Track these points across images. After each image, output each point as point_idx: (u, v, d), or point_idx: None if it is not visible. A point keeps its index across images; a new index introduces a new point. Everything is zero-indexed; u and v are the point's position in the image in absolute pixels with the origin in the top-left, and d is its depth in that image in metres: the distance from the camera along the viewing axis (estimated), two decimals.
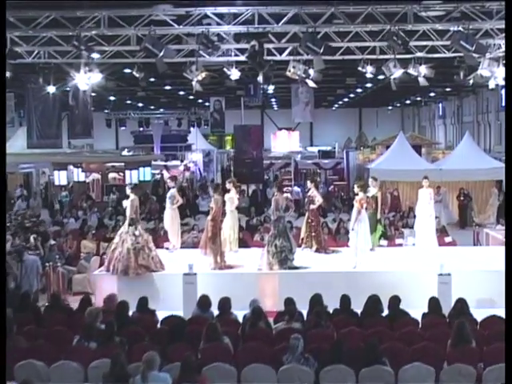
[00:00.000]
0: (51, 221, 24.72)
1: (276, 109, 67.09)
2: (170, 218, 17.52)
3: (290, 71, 15.81)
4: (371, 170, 28.19)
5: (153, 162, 34.38)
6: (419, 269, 15.12)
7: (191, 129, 44.73)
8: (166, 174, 35.57)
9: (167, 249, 17.70)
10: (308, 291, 14.66)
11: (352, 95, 53.66)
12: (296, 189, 31.25)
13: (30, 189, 32.51)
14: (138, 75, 17.61)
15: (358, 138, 60.50)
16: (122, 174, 32.15)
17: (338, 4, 13.50)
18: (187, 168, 36.79)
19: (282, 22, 14.14)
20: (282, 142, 58.57)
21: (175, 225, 17.58)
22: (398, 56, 16.21)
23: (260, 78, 17.31)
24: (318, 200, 17.32)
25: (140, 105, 56.19)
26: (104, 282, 15.22)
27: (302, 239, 17.48)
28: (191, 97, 44.66)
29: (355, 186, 15.54)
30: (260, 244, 19.85)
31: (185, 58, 16.78)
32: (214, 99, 38.93)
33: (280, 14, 14.19)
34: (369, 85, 38.58)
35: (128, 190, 15.56)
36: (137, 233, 15.18)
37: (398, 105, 65.98)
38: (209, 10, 13.92)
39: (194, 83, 16.50)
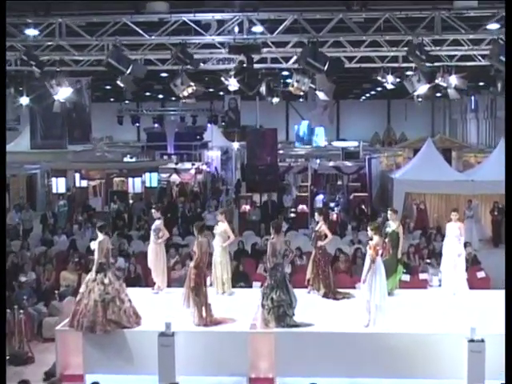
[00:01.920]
0: (40, 238, 22.25)
1: (301, 100, 64.24)
2: (155, 255, 14.93)
3: (293, 86, 13.02)
4: (395, 180, 25.41)
5: (161, 166, 31.79)
6: (445, 330, 12.30)
7: (208, 125, 42.04)
8: (175, 179, 32.97)
9: (152, 289, 15.16)
10: (310, 354, 12.19)
11: (379, 88, 50.55)
12: (319, 197, 28.42)
13: (33, 193, 30.12)
14: (122, 85, 14.95)
15: (386, 133, 57.63)
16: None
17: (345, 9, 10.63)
18: (199, 171, 34.22)
19: (278, 31, 11.30)
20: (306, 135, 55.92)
21: (160, 262, 14.99)
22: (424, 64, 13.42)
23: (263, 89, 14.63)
24: (328, 236, 14.60)
25: (160, 96, 53.79)
26: (67, 339, 12.69)
27: (308, 280, 14.80)
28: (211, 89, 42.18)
29: (368, 229, 12.78)
30: (264, 279, 17.24)
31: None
32: (228, 97, 36.29)
33: (275, 21, 11.37)
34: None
35: (97, 231, 12.94)
36: (106, 281, 12.61)
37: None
38: (187, 17, 11.15)
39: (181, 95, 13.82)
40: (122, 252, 19.42)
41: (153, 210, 15.27)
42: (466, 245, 18.14)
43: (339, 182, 34.06)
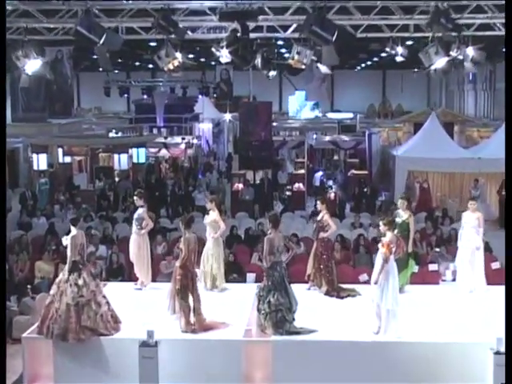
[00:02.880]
0: (17, 221, 20.53)
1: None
2: (137, 247, 13.28)
3: (293, 58, 11.27)
4: (397, 157, 23.77)
5: (150, 141, 29.93)
6: (465, 339, 10.71)
7: (199, 97, 40.11)
8: (164, 154, 31.17)
9: (135, 284, 13.55)
10: (312, 366, 10.63)
11: (376, 58, 48.80)
12: (317, 174, 26.70)
13: (15, 169, 28.26)
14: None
15: (382, 105, 55.84)
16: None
17: None
18: (190, 145, 32.43)
19: None
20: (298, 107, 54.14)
21: (144, 256, 13.32)
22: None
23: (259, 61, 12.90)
24: (331, 227, 12.97)
25: (150, 66, 51.71)
26: (36, 348, 11.07)
27: (309, 276, 13.21)
28: (202, 59, 40.22)
29: (380, 223, 11.14)
30: (259, 269, 15.65)
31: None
32: (220, 68, 34.38)
33: None
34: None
35: (71, 224, 11.25)
36: (80, 282, 10.98)
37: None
38: None
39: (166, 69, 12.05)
40: (105, 238, 17.74)
41: (135, 198, 13.55)
42: None
43: (335, 158, 32.35)
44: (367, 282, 14.68)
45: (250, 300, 12.57)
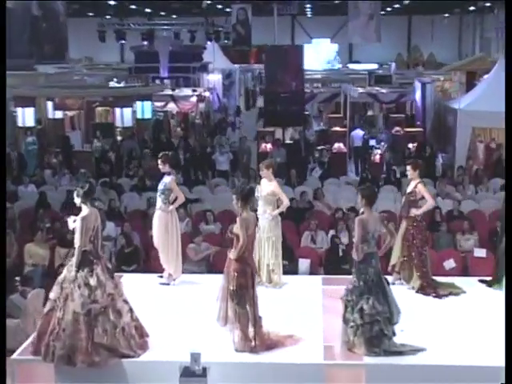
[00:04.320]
0: None
1: (310, 16, 59.26)
2: (164, 228, 10.63)
3: None
4: (460, 111, 20.93)
5: (155, 93, 27.02)
6: None
7: (208, 43, 37.15)
8: (172, 108, 28.34)
9: (160, 277, 10.93)
10: None
11: (399, 2, 45.77)
12: (358, 133, 23.93)
13: None
14: None
15: (412, 53, 52.82)
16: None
17: None
18: (201, 98, 29.59)
19: None
20: (316, 58, 51.14)
21: (173, 240, 10.65)
22: None
23: None
24: (428, 200, 10.32)
25: (147, 10, 48.65)
26: (31, 374, 8.44)
27: (393, 266, 10.57)
28: (208, 1, 37.17)
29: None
30: (313, 254, 13.07)
31: None
32: (237, 7, 31.46)
33: None
34: None
35: (76, 198, 8.55)
36: (92, 282, 8.35)
37: (458, 11, 57.41)
38: None
39: None
40: (112, 211, 15.09)
41: (159, 162, 10.83)
42: None
43: (369, 113, 29.60)
44: (455, 272, 12.25)
45: (319, 300, 10.05)
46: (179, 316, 9.47)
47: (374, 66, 47.34)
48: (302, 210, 15.47)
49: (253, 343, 8.35)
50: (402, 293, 10.31)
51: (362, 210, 8.49)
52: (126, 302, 8.61)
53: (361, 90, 28.83)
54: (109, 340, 8.24)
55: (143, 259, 13.33)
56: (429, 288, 10.29)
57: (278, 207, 10.67)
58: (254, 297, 8.39)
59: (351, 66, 51.77)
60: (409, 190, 10.45)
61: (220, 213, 15.51)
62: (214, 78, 37.26)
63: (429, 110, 23.88)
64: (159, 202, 10.69)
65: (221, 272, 11.95)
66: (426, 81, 25.18)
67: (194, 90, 29.84)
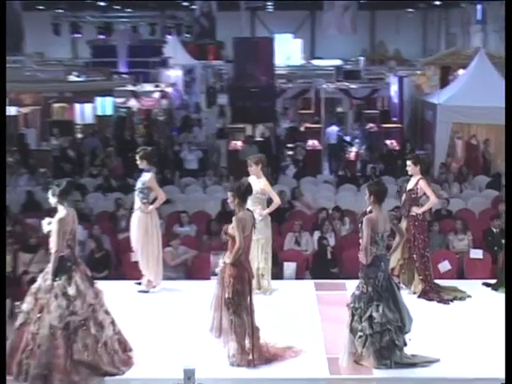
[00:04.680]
0: None
1: (271, 10, 58.76)
2: (143, 230, 9.97)
3: None
4: (440, 106, 20.52)
5: (116, 88, 26.22)
6: None
7: (168, 38, 36.42)
8: (133, 105, 27.55)
9: (138, 284, 10.26)
10: None
11: None
12: (332, 129, 23.41)
13: None
14: None
15: (376, 49, 52.57)
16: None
17: None
18: (164, 94, 28.87)
19: None
20: (278, 54, 50.65)
21: (154, 243, 9.99)
22: None
23: None
24: (430, 198, 9.84)
25: (101, 3, 47.69)
26: None
27: (392, 269, 10.02)
28: None
29: None
30: (300, 256, 12.50)
31: None
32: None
33: None
34: None
35: (52, 198, 7.86)
36: (71, 291, 7.69)
37: (423, 6, 57.33)
38: None
39: None
40: (77, 213, 14.26)
41: (137, 158, 10.18)
42: None
43: (339, 109, 29.11)
44: (449, 274, 11.79)
45: (314, 307, 9.49)
46: (164, 327, 8.84)
47: (338, 62, 46.98)
48: (281, 211, 14.84)
49: (250, 356, 7.75)
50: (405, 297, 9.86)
51: (369, 208, 7.93)
52: (107, 313, 7.94)
53: (332, 85, 28.39)
54: (90, 356, 7.57)
55: (114, 265, 12.62)
56: (432, 292, 9.81)
57: (267, 206, 10.10)
58: (252, 305, 7.80)
59: (315, 61, 51.31)
60: (409, 186, 9.95)
61: (193, 214, 14.87)
62: (175, 74, 36.52)
63: (406, 105, 23.51)
64: (137, 202, 10.04)
65: (200, 278, 11.45)
66: (403, 75, 24.79)
67: (157, 86, 29.09)
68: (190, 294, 10.13)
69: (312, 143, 21.70)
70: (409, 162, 10.01)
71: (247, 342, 7.76)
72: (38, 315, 7.61)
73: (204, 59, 44.11)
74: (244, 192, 7.93)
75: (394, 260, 9.99)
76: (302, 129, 24.15)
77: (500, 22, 48.49)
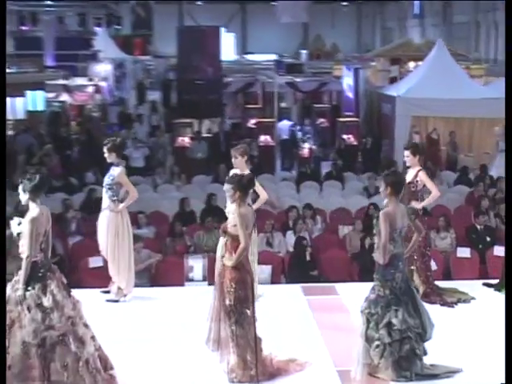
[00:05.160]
0: None
1: (200, 3, 58.12)
2: (113, 231, 9.19)
3: None
4: (399, 99, 20.18)
5: (46, 82, 25.10)
6: None
7: (97, 29, 35.35)
8: (66, 100, 26.51)
9: (105, 293, 9.47)
10: None
11: None
12: (284, 124, 22.85)
13: None
14: None
15: (313, 44, 52.32)
16: None
17: None
18: (98, 89, 27.87)
19: None
20: None
21: (125, 246, 9.20)
22: None
23: None
24: (432, 191, 9.32)
25: None
26: None
27: None
28: None
29: None
30: (275, 258, 11.84)
31: None
32: None
33: None
34: None
35: (23, 194, 7.05)
36: (47, 302, 6.94)
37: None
38: None
39: None
40: (21, 215, 13.34)
41: (105, 151, 9.39)
42: None
43: (283, 104, 28.61)
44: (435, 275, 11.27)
45: (308, 314, 8.89)
46: (144, 341, 8.07)
47: (273, 57, 46.65)
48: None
49: (253, 371, 7.07)
50: None
51: (385, 201, 7.32)
52: (87, 326, 7.15)
53: (278, 79, 27.90)
54: (70, 377, 6.80)
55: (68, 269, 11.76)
56: (434, 295, 9.32)
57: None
58: (254, 313, 7.12)
59: (249, 56, 50.87)
60: (408, 179, 9.37)
61: (150, 215, 14.08)
62: (105, 69, 35.50)
63: (361, 98, 23.12)
64: (106, 200, 9.26)
65: (166, 284, 10.72)
66: (358, 67, 24.43)
67: (91, 80, 28.08)
68: (165, 303, 9.44)
69: (264, 139, 21.11)
70: (407, 152, 9.47)
71: (249, 355, 7.08)
72: (8, 331, 6.78)
73: (130, 54, 43.27)
74: (246, 184, 7.28)
75: None
76: (251, 124, 23.49)
77: (439, 16, 49.09)
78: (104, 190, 9.31)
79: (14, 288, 6.90)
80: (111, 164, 9.40)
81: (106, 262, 11.29)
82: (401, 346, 7.08)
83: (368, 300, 7.24)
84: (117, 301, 9.33)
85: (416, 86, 20.51)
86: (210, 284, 10.22)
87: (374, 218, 7.39)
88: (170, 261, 11.46)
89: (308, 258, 11.67)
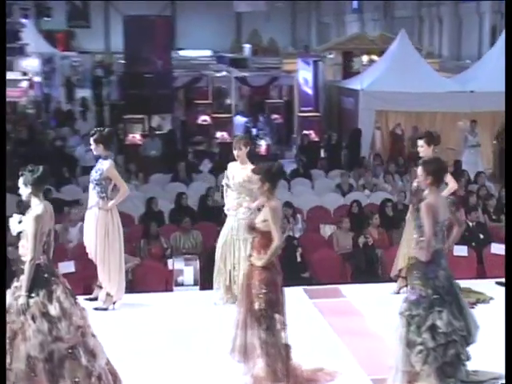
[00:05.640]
0: None
1: None
2: (103, 232, 8.61)
3: None
4: (362, 93, 19.92)
5: None
6: None
7: (23, 21, 34.25)
8: None
9: (91, 300, 8.87)
10: None
11: None
12: (239, 120, 22.39)
13: None
14: None
15: (250, 39, 51.88)
16: None
17: None
18: (32, 84, 26.89)
19: None
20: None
21: (114, 247, 8.62)
22: None
23: None
24: (449, 183, 8.97)
25: None
26: None
27: (400, 271, 9.18)
28: None
29: None
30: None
31: None
32: None
33: None
34: None
35: (24, 188, 6.46)
36: (53, 310, 6.35)
37: None
38: None
39: None
40: None
41: (91, 142, 8.81)
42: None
43: (227, 101, 28.15)
44: None
45: (319, 318, 8.48)
46: (141, 353, 7.54)
47: (208, 53, 46.24)
48: (216, 210, 13.77)
49: (284, 383, 6.58)
50: None
51: (426, 191, 6.92)
52: (94, 336, 6.57)
53: (224, 73, 27.58)
54: None
55: None
56: None
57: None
58: (285, 318, 6.65)
59: (183, 53, 50.25)
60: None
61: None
62: (32, 64, 34.50)
63: (320, 93, 22.78)
64: (94, 197, 8.67)
65: (145, 289, 10.16)
66: (317, 59, 24.07)
67: (25, 74, 27.11)
68: (157, 310, 8.90)
69: (221, 135, 20.60)
70: (421, 142, 9.11)
71: (280, 366, 6.60)
72: (10, 344, 6.17)
73: (56, 48, 42.31)
74: (275, 175, 6.76)
75: (404, 258, 9.11)
76: (201, 121, 22.91)
77: (379, 11, 49.34)
78: (91, 185, 8.72)
79: (16, 295, 6.30)
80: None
81: (78, 266, 10.81)
82: (445, 351, 6.69)
83: (408, 301, 6.82)
84: (106, 309, 8.73)
85: (380, 79, 20.31)
86: (202, 289, 9.80)
87: (417, 210, 6.96)
88: (147, 265, 10.91)
89: (299, 258, 11.28)
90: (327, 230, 13.10)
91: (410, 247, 8.97)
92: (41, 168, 6.50)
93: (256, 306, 6.51)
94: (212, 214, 13.58)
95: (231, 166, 9.06)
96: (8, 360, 6.13)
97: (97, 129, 9.06)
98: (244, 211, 8.77)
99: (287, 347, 6.65)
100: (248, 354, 6.62)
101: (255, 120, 22.62)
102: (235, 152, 9.03)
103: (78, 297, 8.92)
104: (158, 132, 20.57)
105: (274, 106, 24.41)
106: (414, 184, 9.18)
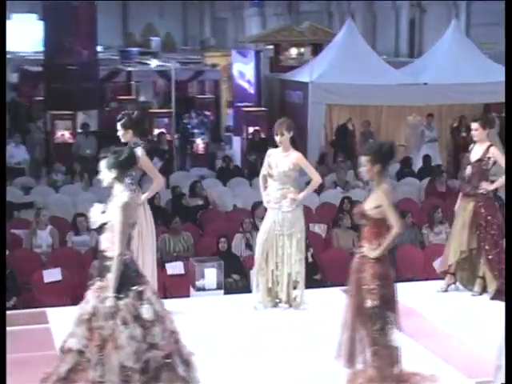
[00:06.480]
0: None
1: None
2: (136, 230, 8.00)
3: None
4: (312, 85, 19.72)
5: None
6: None
7: None
8: None
9: None
10: None
11: None
12: None
13: None
14: None
15: (145, 33, 51.11)
16: None
17: None
18: None
19: None
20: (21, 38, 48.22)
21: (148, 246, 8.11)
22: None
23: None
24: (501, 168, 8.82)
25: None
26: None
27: (449, 267, 8.97)
28: None
29: None
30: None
31: None
32: None
33: None
34: None
35: (107, 172, 5.98)
36: (147, 313, 5.81)
37: None
38: None
39: None
40: None
41: (119, 128, 8.31)
42: None
43: (141, 98, 27.64)
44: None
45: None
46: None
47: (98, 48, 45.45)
48: (194, 209, 13.43)
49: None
50: (467, 302, 8.80)
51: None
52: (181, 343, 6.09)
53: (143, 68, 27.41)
54: None
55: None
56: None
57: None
58: (398, 317, 6.34)
59: None
60: (476, 156, 8.80)
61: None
62: None
63: (263, 87, 22.42)
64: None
65: None
66: (260, 49, 23.72)
67: None
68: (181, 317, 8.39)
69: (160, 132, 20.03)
70: (475, 125, 8.86)
71: (390, 370, 6.27)
72: (99, 354, 5.62)
73: None
74: (386, 154, 6.40)
75: (455, 253, 8.89)
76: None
77: (281, 5, 49.41)
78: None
79: (102, 297, 5.74)
80: None
81: (64, 275, 10.35)
82: None
83: None
84: None
85: (329, 71, 20.12)
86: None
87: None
88: None
89: (310, 259, 10.96)
90: (317, 229, 12.93)
91: (461, 242, 8.83)
92: (127, 150, 6.02)
93: (368, 303, 6.16)
94: (187, 214, 13.24)
95: (272, 153, 8.62)
96: (99, 372, 5.59)
97: (125, 112, 8.54)
98: (287, 203, 8.35)
99: (397, 350, 6.32)
100: (356, 357, 6.27)
101: (190, 117, 22.15)
102: (277, 138, 8.58)
103: (69, 307, 8.54)
104: (93, 130, 20.00)
105: (205, 101, 24.06)
106: (467, 171, 8.96)
